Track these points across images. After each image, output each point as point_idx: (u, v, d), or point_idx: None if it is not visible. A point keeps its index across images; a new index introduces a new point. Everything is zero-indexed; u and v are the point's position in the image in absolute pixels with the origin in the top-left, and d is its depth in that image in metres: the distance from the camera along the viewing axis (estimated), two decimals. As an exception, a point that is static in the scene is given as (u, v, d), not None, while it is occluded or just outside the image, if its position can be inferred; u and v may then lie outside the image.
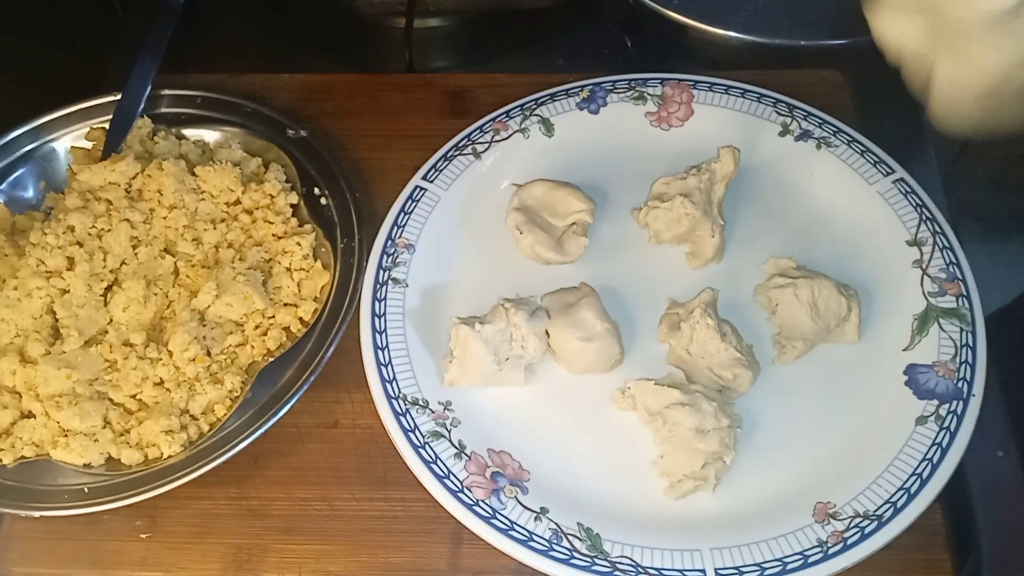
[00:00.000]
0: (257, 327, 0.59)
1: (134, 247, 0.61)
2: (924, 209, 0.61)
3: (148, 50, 0.69)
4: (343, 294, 0.60)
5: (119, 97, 0.68)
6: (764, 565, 0.49)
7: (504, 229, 0.63)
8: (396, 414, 0.55)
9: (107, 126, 0.67)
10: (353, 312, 0.59)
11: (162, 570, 0.54)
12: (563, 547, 0.50)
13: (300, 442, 0.58)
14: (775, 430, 0.55)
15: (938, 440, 0.52)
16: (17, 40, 0.71)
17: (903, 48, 0.44)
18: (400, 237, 0.62)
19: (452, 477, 0.52)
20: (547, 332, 0.57)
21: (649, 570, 0.50)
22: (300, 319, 0.60)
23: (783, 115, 0.66)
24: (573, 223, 0.62)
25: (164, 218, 0.62)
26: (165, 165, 0.63)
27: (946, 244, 0.60)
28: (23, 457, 0.55)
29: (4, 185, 0.65)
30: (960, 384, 0.54)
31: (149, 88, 0.68)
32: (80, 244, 0.60)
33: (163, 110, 0.69)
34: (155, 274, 0.61)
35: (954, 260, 0.59)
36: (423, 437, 0.54)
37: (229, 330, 0.59)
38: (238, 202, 0.64)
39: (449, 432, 0.55)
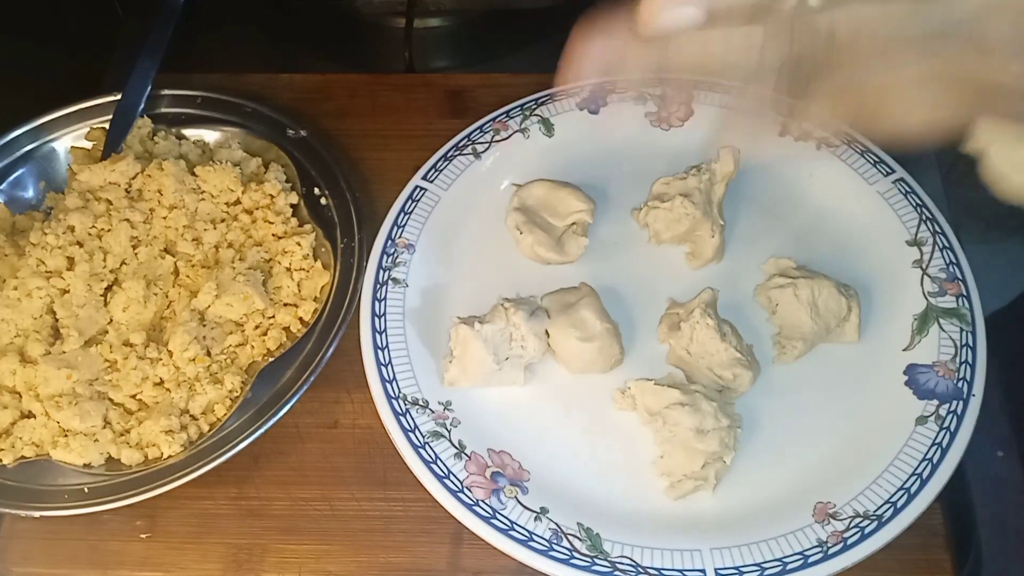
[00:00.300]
0: (257, 327, 0.59)
1: (134, 247, 0.61)
2: (924, 209, 0.61)
3: (148, 50, 0.69)
4: (343, 294, 0.60)
5: (119, 97, 0.68)
6: (764, 565, 0.49)
7: (504, 229, 0.63)
8: (396, 414, 0.55)
9: (107, 126, 0.67)
10: (353, 312, 0.59)
11: (162, 570, 0.54)
12: (563, 547, 0.50)
13: (300, 442, 0.58)
14: (775, 430, 0.55)
15: (938, 440, 0.52)
16: (17, 40, 0.71)
17: None
18: (400, 237, 0.62)
19: (452, 477, 0.52)
20: (547, 332, 0.57)
21: (649, 570, 0.50)
22: (300, 319, 0.60)
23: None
24: (573, 223, 0.62)
25: (164, 218, 0.62)
26: (165, 165, 0.63)
27: (946, 244, 0.60)
28: (23, 457, 0.55)
29: (4, 185, 0.65)
30: (960, 384, 0.54)
31: (149, 88, 0.68)
32: (80, 244, 0.60)
33: (163, 110, 0.69)
34: (155, 274, 0.61)
35: (954, 260, 0.59)
36: (423, 437, 0.54)
37: (229, 330, 0.59)
38: (238, 202, 0.64)
39: (449, 432, 0.55)
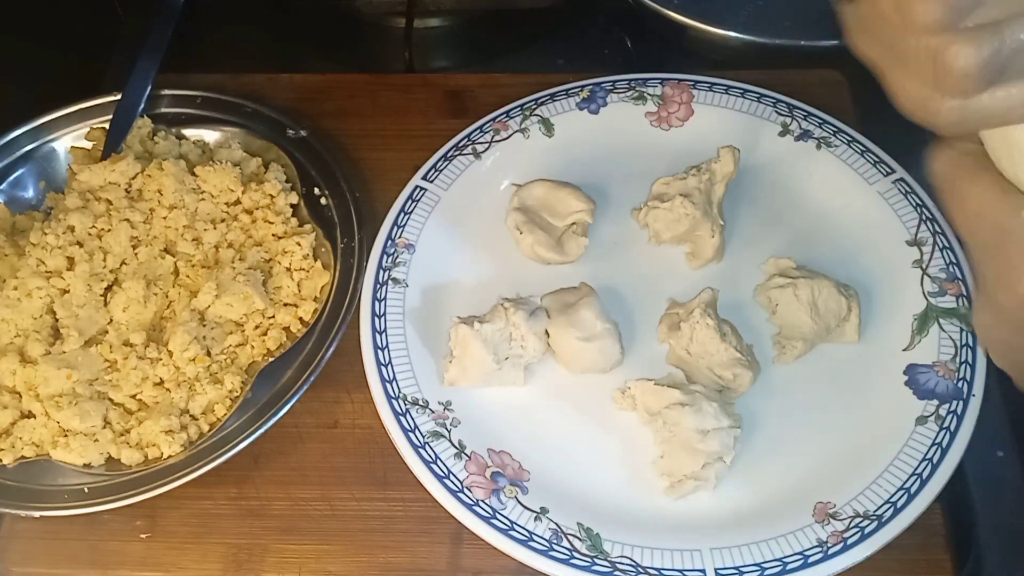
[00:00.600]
0: (257, 327, 0.59)
1: (134, 247, 0.61)
2: (924, 209, 0.61)
3: (148, 50, 0.69)
4: (343, 294, 0.60)
5: (119, 97, 0.68)
6: (764, 565, 0.49)
7: (504, 229, 0.63)
8: (396, 414, 0.55)
9: (107, 126, 0.67)
10: (353, 312, 0.59)
11: (162, 570, 0.54)
12: (563, 547, 0.50)
13: (300, 442, 0.58)
14: (775, 430, 0.55)
15: (938, 440, 0.52)
16: (17, 40, 0.71)
17: None
18: (400, 237, 0.62)
19: (452, 477, 0.52)
20: (547, 332, 0.57)
21: (649, 570, 0.49)
22: (300, 319, 0.60)
23: (783, 115, 0.66)
24: (573, 223, 0.62)
25: (164, 218, 0.62)
26: (165, 165, 0.63)
27: (946, 244, 0.60)
28: (23, 457, 0.55)
29: (4, 185, 0.65)
30: (960, 384, 0.54)
31: (149, 88, 0.68)
32: (80, 244, 0.60)
33: (163, 110, 0.69)
34: (155, 274, 0.61)
35: (954, 260, 0.59)
36: (423, 437, 0.54)
37: (229, 330, 0.59)
38: (238, 202, 0.64)
39: (449, 432, 0.55)
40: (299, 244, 0.61)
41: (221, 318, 0.59)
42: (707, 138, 0.65)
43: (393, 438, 0.54)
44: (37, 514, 0.53)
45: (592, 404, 0.57)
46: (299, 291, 0.61)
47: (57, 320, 0.58)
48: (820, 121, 0.66)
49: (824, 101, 0.67)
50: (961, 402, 0.53)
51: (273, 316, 0.60)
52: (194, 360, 0.57)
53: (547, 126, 0.67)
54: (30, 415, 0.56)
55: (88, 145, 0.68)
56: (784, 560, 0.49)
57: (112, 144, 0.66)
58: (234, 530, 0.55)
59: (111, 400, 0.56)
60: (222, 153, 0.66)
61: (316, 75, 0.74)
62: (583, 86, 0.68)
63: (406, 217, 0.63)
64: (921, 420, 0.53)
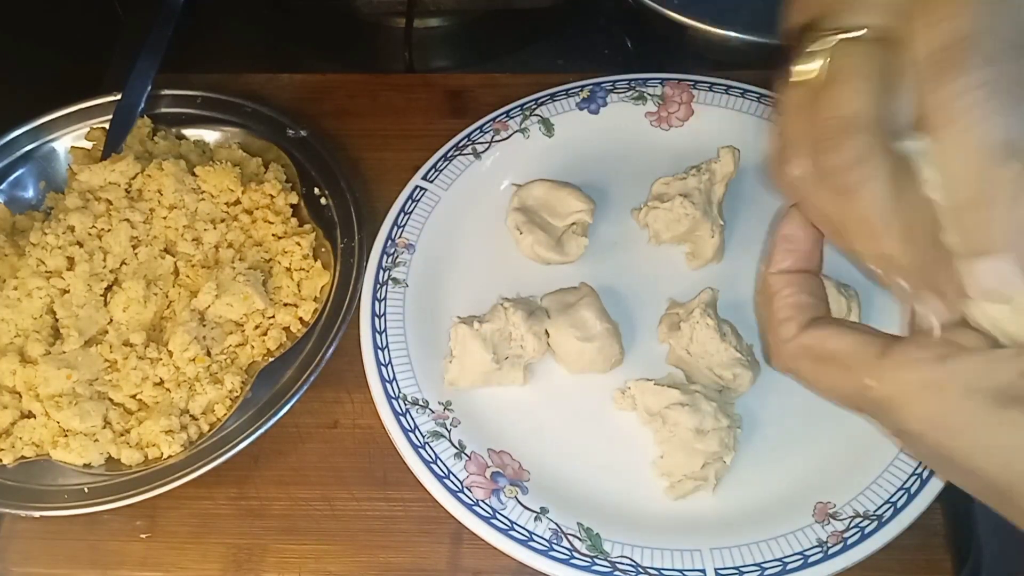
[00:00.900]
0: (257, 327, 0.59)
1: (134, 247, 0.61)
2: (924, 209, 0.61)
3: (148, 50, 0.69)
4: (343, 294, 0.60)
5: (119, 97, 0.68)
6: (764, 565, 0.49)
7: (504, 229, 0.63)
8: (396, 414, 0.55)
9: (107, 126, 0.67)
10: (353, 312, 0.59)
11: (162, 570, 0.54)
12: (563, 547, 0.50)
13: (300, 442, 0.58)
14: (775, 430, 0.55)
15: (938, 440, 0.52)
16: (17, 40, 0.71)
17: None
18: (400, 237, 0.62)
19: (452, 477, 0.52)
20: (547, 332, 0.57)
21: (649, 570, 0.50)
22: (300, 319, 0.60)
23: None
24: (573, 223, 0.62)
25: (164, 218, 0.62)
26: (165, 165, 0.63)
27: (946, 244, 0.60)
28: (23, 457, 0.55)
29: (4, 185, 0.65)
30: (960, 384, 0.54)
31: (149, 88, 0.68)
32: (80, 244, 0.60)
33: (163, 110, 0.69)
34: (155, 274, 0.61)
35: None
36: (423, 437, 0.54)
37: (229, 330, 0.59)
38: (238, 202, 0.64)
39: (449, 432, 0.55)
40: (299, 244, 0.61)
41: (221, 318, 0.59)
42: (707, 138, 0.65)
43: (393, 438, 0.54)
44: (37, 514, 0.53)
45: (592, 404, 0.57)
46: (299, 291, 0.61)
47: (57, 320, 0.58)
48: (820, 121, 0.66)
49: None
50: (961, 402, 0.53)
51: (273, 316, 0.60)
52: (194, 360, 0.57)
53: (547, 126, 0.67)
54: (30, 415, 0.56)
55: (88, 145, 0.68)
56: (784, 560, 0.49)
57: (112, 144, 0.66)
58: (234, 530, 0.55)
59: (111, 400, 0.56)
60: (222, 153, 0.66)
61: (316, 75, 0.74)
62: (583, 86, 0.68)
63: (406, 217, 0.63)
64: (921, 420, 0.53)
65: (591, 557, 0.50)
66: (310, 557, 0.54)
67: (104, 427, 0.55)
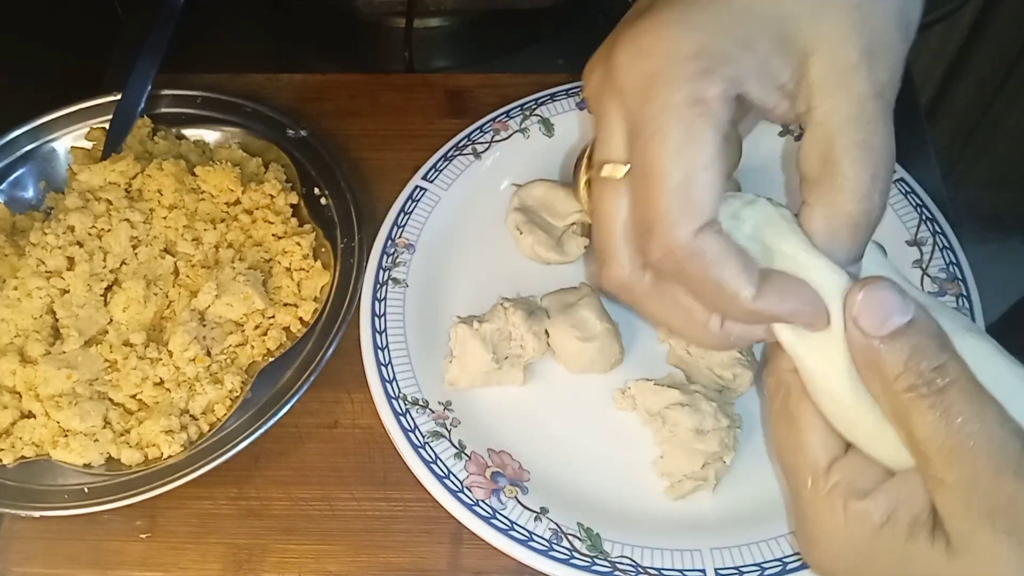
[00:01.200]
0: (257, 327, 0.59)
1: (134, 247, 0.61)
2: (924, 209, 0.61)
3: (148, 50, 0.69)
4: (343, 294, 0.60)
5: (119, 97, 0.68)
6: (764, 565, 0.49)
7: (504, 229, 0.63)
8: (396, 414, 0.55)
9: (107, 126, 0.67)
10: (353, 312, 0.59)
11: (162, 570, 0.54)
12: (563, 547, 0.50)
13: (300, 442, 0.58)
14: (775, 430, 0.55)
15: (938, 440, 0.52)
16: (17, 40, 0.71)
17: None
18: (400, 237, 0.62)
19: (452, 477, 0.52)
20: (547, 332, 0.57)
21: (649, 570, 0.50)
22: (300, 319, 0.60)
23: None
24: (573, 223, 0.62)
25: (164, 218, 0.62)
26: (165, 165, 0.63)
27: (946, 244, 0.60)
28: (23, 457, 0.55)
29: (4, 185, 0.65)
30: (960, 384, 0.54)
31: (149, 88, 0.68)
32: (80, 244, 0.60)
33: (163, 110, 0.69)
34: (155, 274, 0.61)
35: (954, 260, 0.59)
36: (423, 437, 0.54)
37: (229, 330, 0.59)
38: (238, 202, 0.64)
39: (449, 432, 0.55)
40: (299, 244, 0.61)
41: (221, 318, 0.59)
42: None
43: (393, 438, 0.54)
44: (37, 514, 0.53)
45: (592, 404, 0.57)
46: (299, 291, 0.61)
47: (57, 320, 0.58)
48: (820, 121, 0.66)
49: (824, 101, 0.67)
50: (961, 402, 0.53)
51: (273, 316, 0.60)
52: (194, 360, 0.57)
53: (547, 126, 0.67)
54: (30, 415, 0.56)
55: (88, 145, 0.68)
56: (784, 560, 0.49)
57: (112, 144, 0.66)
58: (234, 530, 0.55)
59: (111, 400, 0.56)
60: (222, 153, 0.66)
61: (316, 75, 0.74)
62: (583, 86, 0.68)
63: (406, 217, 0.63)
64: (921, 420, 0.53)
65: (591, 557, 0.50)
66: (310, 557, 0.54)
67: (104, 427, 0.55)
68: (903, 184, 0.62)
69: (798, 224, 0.39)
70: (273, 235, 0.62)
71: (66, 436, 0.55)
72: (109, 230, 0.61)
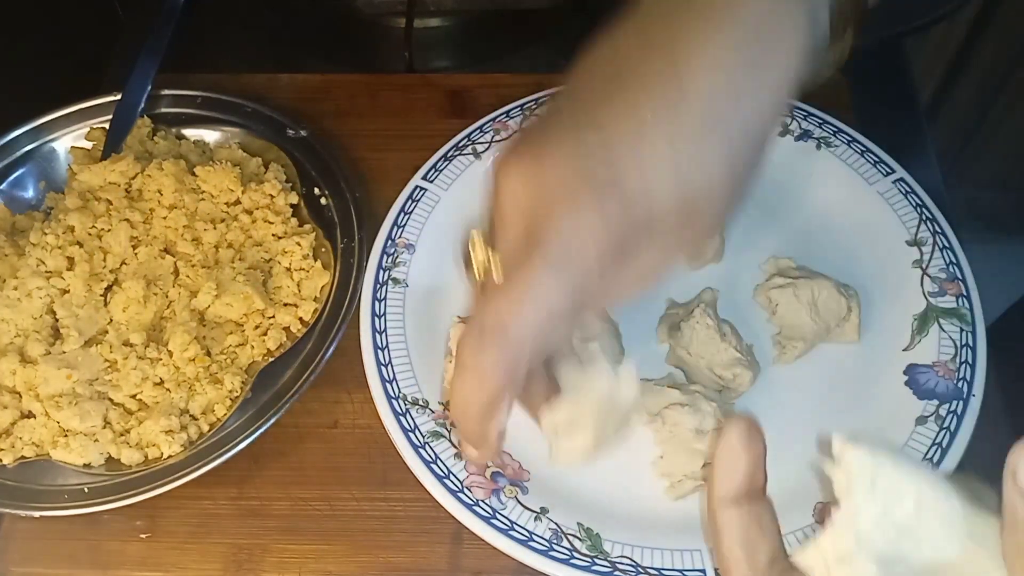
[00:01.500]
0: (257, 327, 0.59)
1: (134, 247, 0.61)
2: (924, 209, 0.61)
3: (148, 50, 0.69)
4: (343, 294, 0.60)
5: (119, 97, 0.68)
6: (764, 565, 0.49)
7: (504, 229, 0.63)
8: (396, 414, 0.55)
9: (107, 126, 0.67)
10: (353, 312, 0.59)
11: (162, 570, 0.54)
12: (563, 547, 0.50)
13: (300, 442, 0.58)
14: (775, 430, 0.55)
15: (938, 440, 0.52)
16: (16, 40, 0.71)
17: None
18: (400, 237, 0.62)
19: (452, 477, 0.52)
20: (547, 332, 0.57)
21: (649, 570, 0.49)
22: (300, 319, 0.60)
23: (783, 115, 0.66)
24: (573, 223, 0.62)
25: (164, 218, 0.62)
26: (165, 165, 0.63)
27: (946, 244, 0.60)
28: (23, 457, 0.55)
29: (4, 185, 0.65)
30: (960, 384, 0.54)
31: (149, 88, 0.68)
32: (80, 244, 0.60)
33: (163, 110, 0.69)
34: (155, 274, 0.61)
35: (954, 260, 0.59)
36: (423, 437, 0.54)
37: (229, 330, 0.59)
38: (238, 202, 0.64)
39: (449, 432, 0.55)
40: (299, 244, 0.61)
41: (221, 318, 0.59)
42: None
43: (393, 438, 0.54)
44: (37, 514, 0.53)
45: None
46: (299, 291, 0.61)
47: (57, 320, 0.58)
48: (820, 121, 0.66)
49: (824, 101, 0.67)
50: (961, 402, 0.53)
51: (273, 316, 0.60)
52: (194, 360, 0.57)
53: (547, 126, 0.67)
54: (30, 415, 0.56)
55: (88, 145, 0.68)
56: (784, 560, 0.49)
57: (112, 144, 0.66)
58: (234, 530, 0.55)
59: (111, 400, 0.56)
60: (222, 153, 0.66)
61: (316, 75, 0.74)
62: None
63: (406, 217, 0.63)
64: (921, 420, 0.53)
65: (591, 557, 0.50)
66: (310, 557, 0.54)
67: (104, 427, 0.55)
68: (903, 184, 0.62)
69: None
70: (273, 235, 0.62)
71: (66, 436, 0.55)
72: (109, 230, 0.61)
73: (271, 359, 0.58)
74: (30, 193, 0.66)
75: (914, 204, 0.62)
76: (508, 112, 0.67)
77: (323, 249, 0.62)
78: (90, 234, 0.61)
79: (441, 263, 0.62)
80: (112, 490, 0.53)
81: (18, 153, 0.67)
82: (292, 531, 0.55)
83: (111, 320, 0.59)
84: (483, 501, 0.52)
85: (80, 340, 0.57)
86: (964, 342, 0.56)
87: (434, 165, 0.65)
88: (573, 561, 0.50)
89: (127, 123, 0.67)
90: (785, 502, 0.52)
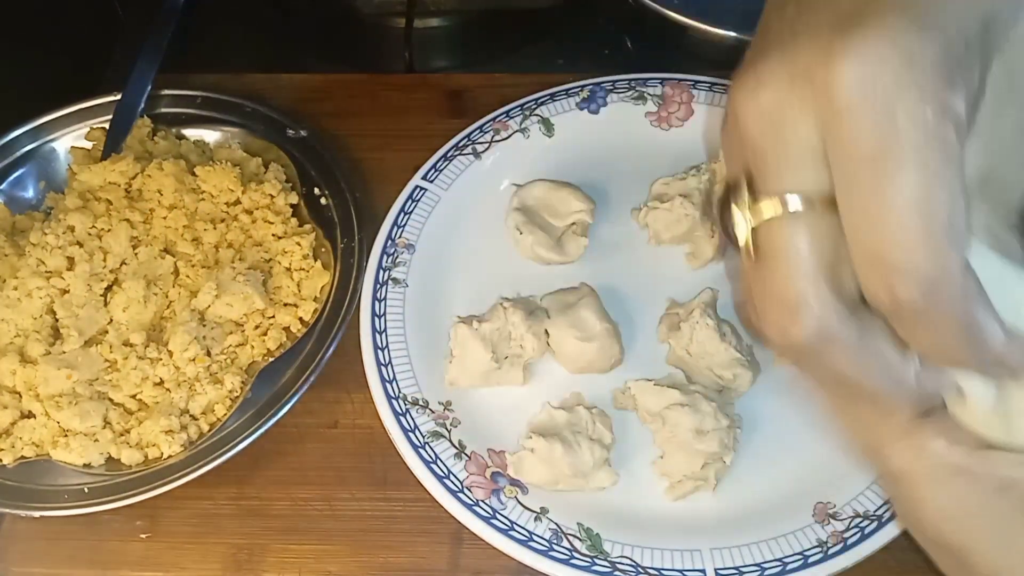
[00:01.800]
0: (257, 327, 0.59)
1: (134, 247, 0.61)
2: (924, 209, 0.61)
3: (148, 50, 0.69)
4: (343, 294, 0.60)
5: (119, 97, 0.68)
6: (764, 565, 0.49)
7: (504, 229, 0.63)
8: (396, 414, 0.55)
9: (107, 126, 0.67)
10: (353, 312, 0.59)
11: (162, 570, 0.54)
12: (563, 547, 0.50)
13: (300, 442, 0.58)
14: (775, 430, 0.55)
15: (938, 440, 0.52)
16: (16, 40, 0.71)
17: None
18: (400, 237, 0.62)
19: (452, 477, 0.52)
20: (546, 332, 0.57)
21: (649, 570, 0.50)
22: (300, 319, 0.60)
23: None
24: (573, 223, 0.62)
25: (164, 218, 0.62)
26: (165, 165, 0.63)
27: (946, 244, 0.60)
28: (23, 457, 0.55)
29: (4, 185, 0.65)
30: (960, 384, 0.54)
31: (149, 88, 0.68)
32: (80, 244, 0.60)
33: (163, 110, 0.69)
34: (155, 274, 0.61)
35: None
36: (423, 437, 0.54)
37: (229, 330, 0.59)
38: (238, 202, 0.64)
39: (449, 432, 0.55)
40: (299, 244, 0.61)
41: (221, 318, 0.59)
42: (707, 138, 0.65)
43: (393, 438, 0.54)
44: (37, 514, 0.53)
45: (592, 404, 0.57)
46: (299, 291, 0.61)
47: (57, 320, 0.58)
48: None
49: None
50: (961, 402, 0.53)
51: (273, 316, 0.60)
52: (194, 360, 0.57)
53: (547, 126, 0.67)
54: (30, 415, 0.56)
55: (88, 145, 0.68)
56: (784, 560, 0.49)
57: (112, 144, 0.66)
58: (234, 530, 0.55)
59: (111, 400, 0.56)
60: (222, 153, 0.66)
61: (316, 75, 0.74)
62: (583, 86, 0.68)
63: (406, 217, 0.63)
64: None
65: (591, 557, 0.50)
66: (310, 557, 0.54)
67: (104, 427, 0.55)
68: (903, 184, 0.62)
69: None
70: (273, 235, 0.62)
71: (66, 436, 0.55)
72: (109, 230, 0.61)
73: (271, 359, 0.58)
74: (30, 193, 0.66)
75: (914, 204, 0.62)
76: (508, 112, 0.67)
77: (323, 249, 0.62)
78: (90, 234, 0.61)
79: (441, 263, 0.62)
80: (112, 490, 0.53)
81: (18, 153, 0.67)
82: (292, 531, 0.55)
83: (111, 320, 0.59)
84: (483, 501, 0.52)
85: (80, 340, 0.57)
86: (964, 342, 0.56)
87: (434, 165, 0.65)
88: (573, 561, 0.50)
89: (127, 123, 0.67)
90: (785, 502, 0.52)
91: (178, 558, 0.54)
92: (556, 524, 0.51)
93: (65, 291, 0.59)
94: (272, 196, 0.63)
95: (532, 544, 0.50)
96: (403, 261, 0.61)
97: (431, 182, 0.64)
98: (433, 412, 0.55)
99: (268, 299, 0.60)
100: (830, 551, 0.49)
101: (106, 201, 0.62)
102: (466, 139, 0.66)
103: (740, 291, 0.35)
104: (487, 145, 0.66)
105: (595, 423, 0.54)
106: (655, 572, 0.49)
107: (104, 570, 0.54)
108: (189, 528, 0.55)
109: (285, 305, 0.60)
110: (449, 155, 0.65)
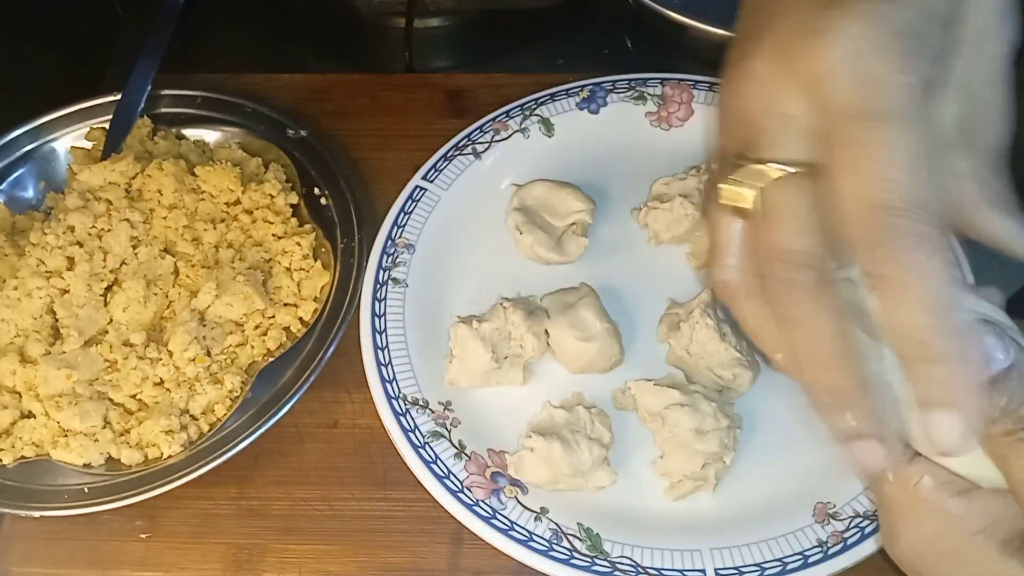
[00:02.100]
0: (257, 327, 0.59)
1: (134, 247, 0.61)
2: (924, 209, 0.61)
3: (148, 50, 0.69)
4: (343, 294, 0.60)
5: (119, 97, 0.68)
6: (764, 565, 0.49)
7: (504, 229, 0.63)
8: (396, 414, 0.55)
9: (107, 126, 0.67)
10: (353, 312, 0.59)
11: (162, 570, 0.54)
12: (563, 547, 0.50)
13: (300, 442, 0.58)
14: (775, 430, 0.55)
15: (938, 440, 0.52)
16: (17, 40, 0.71)
17: None
18: (400, 237, 0.62)
19: (452, 477, 0.52)
20: (546, 332, 0.57)
21: (649, 570, 0.50)
22: (300, 319, 0.60)
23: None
24: (573, 223, 0.62)
25: (164, 218, 0.62)
26: (165, 165, 0.63)
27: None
28: (23, 457, 0.55)
29: (4, 185, 0.65)
30: (960, 384, 0.54)
31: (149, 88, 0.68)
32: (80, 244, 0.60)
33: (163, 110, 0.69)
34: (155, 274, 0.61)
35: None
36: (423, 437, 0.54)
37: (229, 330, 0.59)
38: (238, 202, 0.64)
39: (449, 432, 0.55)
40: (299, 244, 0.61)
41: (221, 318, 0.59)
42: (707, 138, 0.65)
43: (393, 438, 0.54)
44: (37, 514, 0.53)
45: (592, 404, 0.57)
46: (299, 291, 0.61)
47: (57, 320, 0.58)
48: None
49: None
50: (961, 402, 0.53)
51: (273, 316, 0.60)
52: (194, 360, 0.57)
53: (547, 126, 0.67)
54: (30, 415, 0.56)
55: (88, 145, 0.68)
56: (784, 560, 0.49)
57: (112, 144, 0.66)
58: (234, 530, 0.55)
59: (111, 400, 0.56)
60: (222, 153, 0.66)
61: (316, 75, 0.74)
62: (583, 86, 0.68)
63: (406, 217, 0.63)
64: (921, 420, 0.53)
65: (591, 557, 0.50)
66: (310, 557, 0.54)
67: (104, 427, 0.55)
68: (903, 184, 0.62)
69: None
70: (273, 235, 0.62)
71: (66, 436, 0.55)
72: (109, 230, 0.61)
73: (271, 359, 0.58)
74: (30, 193, 0.66)
75: (914, 204, 0.62)
76: (508, 112, 0.67)
77: (323, 249, 0.62)
78: (90, 234, 0.61)
79: (441, 263, 0.62)
80: (112, 490, 0.53)
81: (18, 153, 0.67)
82: (292, 531, 0.55)
83: (111, 320, 0.59)
84: (483, 501, 0.52)
85: (80, 340, 0.57)
86: (964, 342, 0.56)
87: (434, 165, 0.65)
88: (573, 561, 0.50)
89: (127, 123, 0.67)
90: (785, 502, 0.52)
91: (178, 558, 0.54)
92: (556, 524, 0.51)
93: (65, 291, 0.59)
94: (272, 196, 0.63)
95: (532, 544, 0.50)
96: (403, 261, 0.61)
97: (431, 182, 0.64)
98: (433, 412, 0.55)
99: (268, 299, 0.60)
100: (830, 551, 0.49)
101: (106, 201, 0.62)
102: (466, 139, 0.66)
103: (721, 264, 0.39)
104: (487, 145, 0.66)
105: (593, 422, 0.54)
106: (655, 572, 0.49)
107: (104, 570, 0.54)
108: (189, 528, 0.55)
109: (285, 305, 0.60)
110: (449, 155, 0.65)
